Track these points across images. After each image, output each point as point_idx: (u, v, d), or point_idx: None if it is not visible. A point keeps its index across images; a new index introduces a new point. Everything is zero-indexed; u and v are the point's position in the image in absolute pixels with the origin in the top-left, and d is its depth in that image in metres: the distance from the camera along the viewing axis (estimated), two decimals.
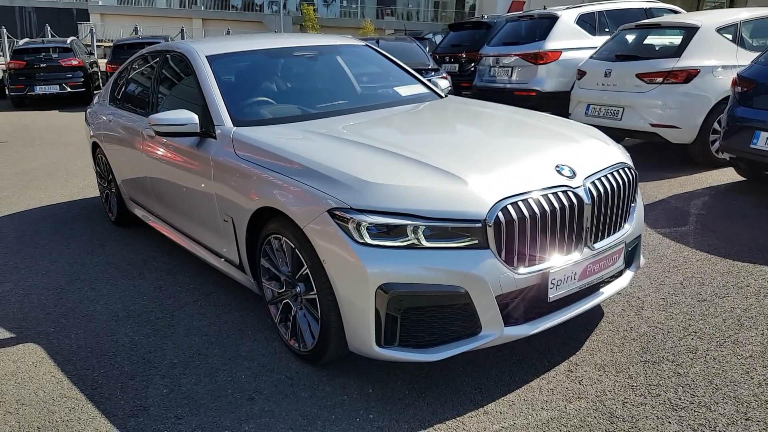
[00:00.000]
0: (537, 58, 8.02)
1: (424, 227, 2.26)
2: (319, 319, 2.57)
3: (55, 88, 13.53)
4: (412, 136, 3.06)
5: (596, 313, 3.13)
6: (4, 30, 20.04)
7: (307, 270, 2.55)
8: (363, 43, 4.35)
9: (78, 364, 2.91)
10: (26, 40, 17.04)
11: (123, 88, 4.63)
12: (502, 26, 9.20)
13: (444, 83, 4.18)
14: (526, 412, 2.40)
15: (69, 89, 13.62)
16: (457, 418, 2.38)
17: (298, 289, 2.73)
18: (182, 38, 19.95)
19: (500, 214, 2.28)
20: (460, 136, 3.06)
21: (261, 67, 3.75)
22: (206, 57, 3.59)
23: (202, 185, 3.27)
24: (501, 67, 8.51)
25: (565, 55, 7.99)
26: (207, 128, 3.25)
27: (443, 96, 3.98)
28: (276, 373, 2.75)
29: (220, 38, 4.16)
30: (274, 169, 2.74)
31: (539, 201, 2.37)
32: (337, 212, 2.36)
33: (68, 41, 14.79)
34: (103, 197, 5.15)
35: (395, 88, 3.91)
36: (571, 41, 8.06)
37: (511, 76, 8.37)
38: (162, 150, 3.68)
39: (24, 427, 2.45)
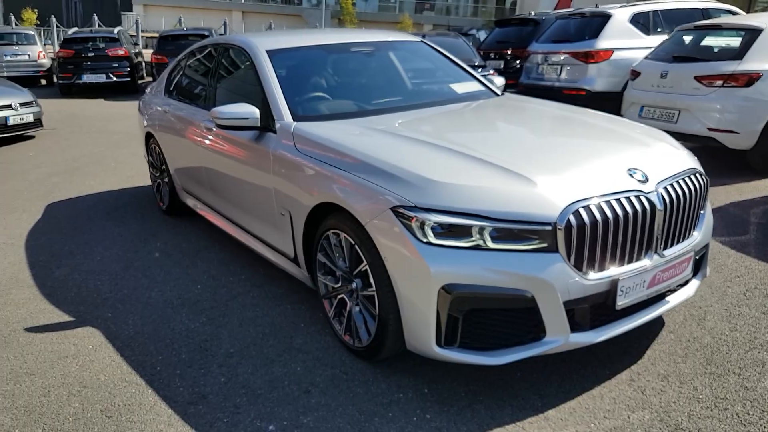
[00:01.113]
0: (588, 57, 7.85)
1: (490, 228, 2.23)
2: (376, 317, 2.55)
3: (101, 77, 13.86)
4: (474, 134, 3.01)
5: (657, 321, 3.04)
6: (54, 19, 20.61)
7: (367, 267, 2.54)
8: (418, 39, 4.31)
9: (136, 349, 2.97)
10: (75, 29, 17.49)
11: (179, 80, 4.70)
12: (552, 23, 9.03)
13: (499, 80, 4.12)
14: (588, 420, 2.35)
15: (115, 78, 13.94)
16: (517, 423, 2.34)
17: (354, 285, 2.72)
18: (225, 31, 20.21)
19: (572, 218, 2.23)
20: (523, 135, 3.00)
21: (319, 63, 3.75)
22: (266, 51, 3.60)
23: (260, 179, 3.29)
24: (550, 65, 8.36)
25: (616, 55, 7.80)
26: (267, 122, 3.27)
27: (499, 93, 3.92)
28: (330, 367, 2.75)
29: (278, 33, 4.17)
30: (335, 165, 2.73)
31: (612, 205, 2.31)
32: (400, 210, 2.33)
33: (115, 31, 15.14)
34: (155, 186, 5.24)
35: (451, 85, 3.87)
36: (624, 41, 7.86)
37: (560, 74, 8.21)
38: (220, 142, 3.72)
39: (87, 409, 2.51)
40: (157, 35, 24.35)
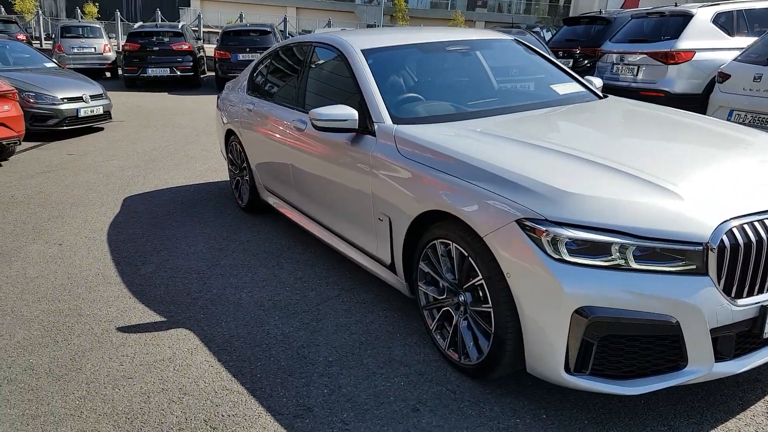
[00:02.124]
0: (668, 58, 7.47)
1: (634, 247, 2.05)
2: (491, 335, 2.41)
3: (165, 71, 14.14)
4: (596, 140, 2.81)
5: None
6: (118, 13, 21.19)
7: (482, 281, 2.40)
8: (511, 37, 4.13)
9: (233, 354, 2.91)
10: (140, 23, 17.92)
11: (264, 79, 4.65)
12: (627, 22, 8.66)
13: (598, 81, 3.90)
14: None
15: (179, 73, 14.20)
16: None
17: (462, 298, 2.59)
18: (284, 27, 20.34)
19: (725, 238, 2.03)
20: (651, 142, 2.78)
21: (414, 63, 3.62)
22: (362, 51, 3.49)
23: (356, 182, 3.19)
24: (625, 65, 8.01)
25: (698, 56, 7.40)
26: (365, 125, 3.16)
27: (601, 95, 3.71)
28: (436, 383, 2.62)
29: (369, 32, 4.06)
30: (446, 171, 2.60)
31: (765, 224, 2.10)
32: (527, 223, 2.18)
33: (180, 26, 15.41)
34: (233, 183, 5.23)
35: (552, 86, 3.68)
36: (706, 41, 7.45)
37: (637, 75, 7.86)
38: (311, 143, 3.63)
39: (191, 419, 2.46)
40: (214, 30, 24.76)
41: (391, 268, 3.09)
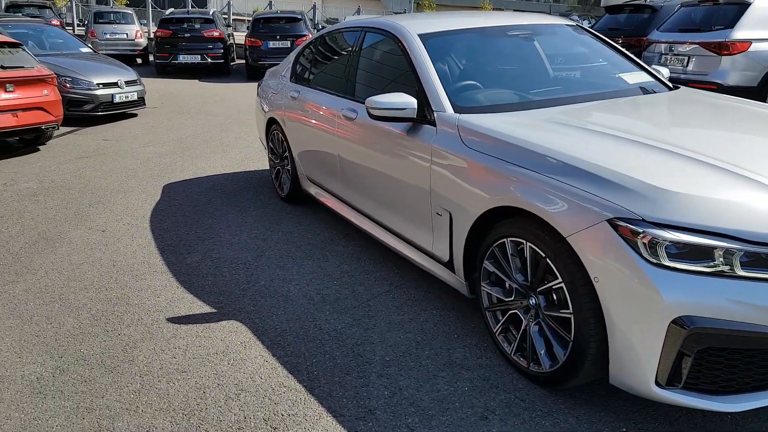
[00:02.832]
0: (721, 48, 7.15)
1: (741, 252, 1.87)
2: (570, 343, 2.25)
3: (196, 58, 14.10)
4: (685, 133, 2.61)
5: None
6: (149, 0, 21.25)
7: (562, 285, 2.24)
8: (574, 22, 3.93)
9: (287, 349, 2.81)
10: (171, 9, 17.91)
11: (310, 66, 4.51)
12: (676, 10, 8.32)
13: (665, 71, 3.68)
14: None
15: (209, 60, 14.16)
16: None
17: (533, 301, 2.44)
18: (314, 15, 20.18)
19: None
20: (746, 137, 2.57)
21: (474, 48, 3.46)
22: (419, 36, 3.33)
23: (413, 174, 3.04)
24: (675, 55, 7.70)
25: (755, 47, 7.06)
26: (423, 114, 3.01)
27: (671, 86, 3.50)
28: (503, 391, 2.48)
29: (423, 15, 3.89)
30: (521, 164, 2.44)
31: None
32: (620, 223, 2.01)
33: (210, 12, 15.35)
34: (274, 173, 5.12)
35: (619, 75, 3.48)
36: (764, 32, 7.11)
37: (687, 65, 7.55)
38: (363, 133, 3.50)
39: (250, 417, 2.36)
40: (242, 18, 24.71)
41: (449, 265, 2.95)
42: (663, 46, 7.95)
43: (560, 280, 2.25)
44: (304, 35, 13.73)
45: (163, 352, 2.81)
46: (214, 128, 8.24)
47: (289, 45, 13.61)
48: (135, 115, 9.32)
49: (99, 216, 4.68)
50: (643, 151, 2.29)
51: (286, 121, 4.59)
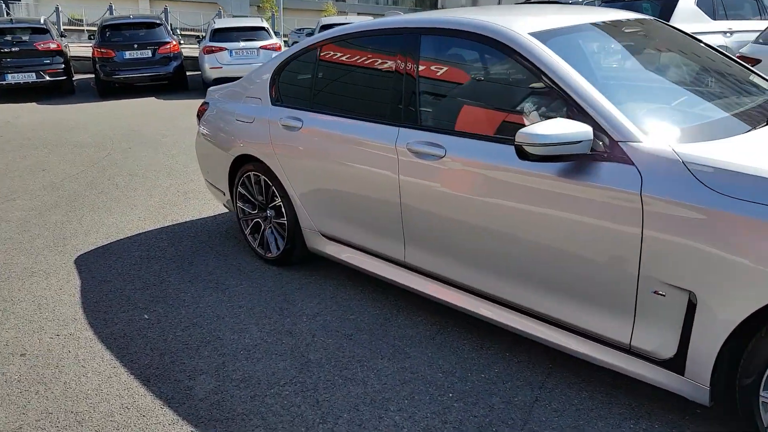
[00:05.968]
0: None
1: None
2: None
3: (31, 77, 11.45)
4: None
5: None
6: None
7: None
8: (651, 17, 3.21)
9: None
10: None
11: (315, 84, 3.23)
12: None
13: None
14: None
15: (48, 78, 11.57)
16: None
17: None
18: (166, 18, 17.71)
19: None
20: None
21: (605, 50, 2.57)
22: (532, 35, 2.36)
23: (598, 236, 2.07)
24: None
25: None
26: (596, 146, 2.06)
27: None
28: None
29: (499, 8, 2.91)
30: None
31: None
32: None
33: (41, 20, 12.66)
34: (248, 228, 3.71)
35: (751, 79, 2.81)
36: (691, 25, 7.21)
37: None
38: (468, 178, 2.42)
39: None
40: (73, 28, 21.35)
41: (670, 365, 2.03)
42: None
43: None
44: (168, 42, 11.84)
45: None
46: (91, 166, 6.39)
47: (150, 54, 11.65)
48: None
49: None
50: None
51: (280, 159, 3.29)
